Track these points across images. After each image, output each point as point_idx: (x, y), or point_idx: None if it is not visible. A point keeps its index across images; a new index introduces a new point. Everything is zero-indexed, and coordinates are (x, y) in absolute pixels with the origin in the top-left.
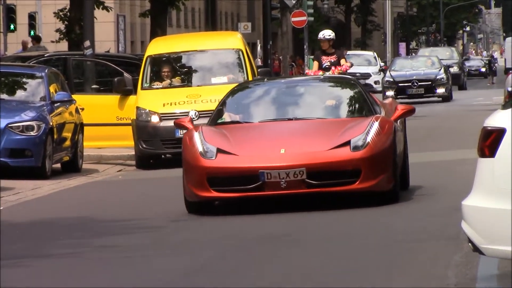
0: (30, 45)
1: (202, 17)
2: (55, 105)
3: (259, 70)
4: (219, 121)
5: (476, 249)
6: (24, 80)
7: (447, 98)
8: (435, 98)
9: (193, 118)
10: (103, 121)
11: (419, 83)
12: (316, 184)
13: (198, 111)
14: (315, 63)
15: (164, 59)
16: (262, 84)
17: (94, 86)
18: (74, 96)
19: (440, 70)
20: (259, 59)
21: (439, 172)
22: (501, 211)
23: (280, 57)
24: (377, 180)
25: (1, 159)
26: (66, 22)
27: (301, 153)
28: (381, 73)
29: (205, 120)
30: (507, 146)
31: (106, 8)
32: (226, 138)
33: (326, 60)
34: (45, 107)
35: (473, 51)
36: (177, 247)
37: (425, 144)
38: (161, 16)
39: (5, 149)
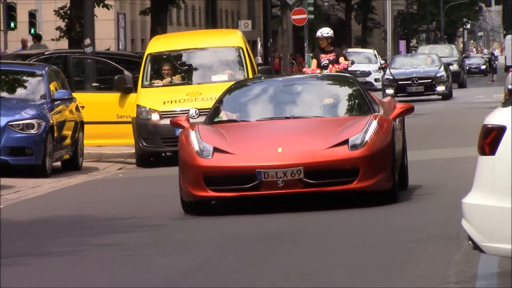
0: (30, 43)
1: (203, 15)
2: (56, 103)
3: (259, 68)
4: (216, 119)
5: (476, 247)
6: (25, 78)
7: (447, 96)
8: (435, 96)
9: (194, 116)
10: (104, 119)
11: (419, 81)
12: (313, 184)
13: (199, 109)
14: (314, 61)
15: (164, 57)
16: (259, 83)
17: (94, 84)
18: (74, 94)
19: (440, 68)
20: (259, 57)
21: (439, 170)
22: (502, 209)
23: (281, 55)
24: (376, 179)
25: (2, 157)
26: (66, 20)
27: (298, 152)
28: (381, 71)
29: None
30: (508, 144)
31: (106, 6)
32: (223, 137)
33: (325, 58)
34: (45, 105)
35: (474, 49)
36: (177, 246)
37: (425, 142)
38: (162, 14)
39: (6, 147)
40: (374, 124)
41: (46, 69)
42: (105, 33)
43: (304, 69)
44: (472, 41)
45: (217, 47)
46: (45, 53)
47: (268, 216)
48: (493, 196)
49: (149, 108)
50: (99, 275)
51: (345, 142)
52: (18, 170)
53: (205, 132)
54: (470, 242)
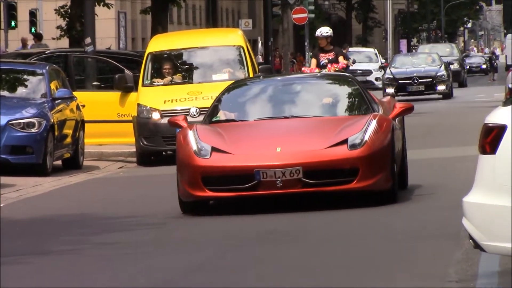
0: (31, 42)
1: (203, 14)
2: (56, 102)
3: (260, 67)
4: (214, 119)
5: (477, 246)
6: (25, 77)
7: (447, 95)
8: (436, 95)
9: (194, 115)
10: (104, 118)
11: (419, 80)
12: (312, 184)
13: (199, 108)
14: (313, 61)
15: (165, 56)
16: (258, 82)
17: (95, 83)
18: (75, 93)
19: (440, 67)
20: (260, 56)
21: (440, 169)
22: (502, 208)
23: (281, 54)
24: (375, 179)
25: (2, 156)
26: (67, 19)
27: (297, 151)
28: (382, 70)
29: None
30: (508, 143)
31: (107, 5)
32: (221, 137)
33: (324, 58)
34: (46, 104)
35: (475, 48)
36: (178, 245)
37: (425, 141)
38: (162, 13)
39: (6, 146)
40: (374, 123)
41: (47, 68)
42: (106, 32)
43: (303, 69)
44: (472, 40)
45: (218, 46)
46: (46, 52)
47: (267, 216)
48: (494, 195)
49: (150, 107)
50: (99, 274)
51: (344, 141)
52: (18, 169)
53: (203, 132)
54: (470, 241)
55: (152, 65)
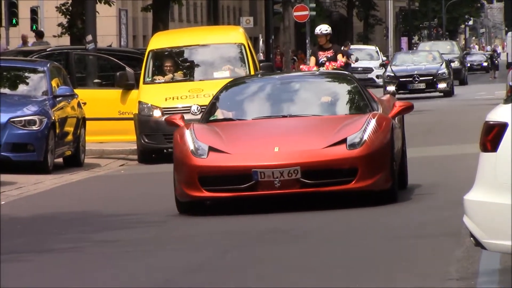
0: (32, 40)
1: (204, 11)
2: (57, 99)
3: (261, 64)
4: (212, 118)
5: (478, 243)
6: (26, 74)
7: (448, 93)
8: (436, 93)
9: (195, 112)
10: (105, 115)
11: (420, 78)
12: (311, 184)
13: (200, 106)
14: (312, 59)
15: (166, 53)
16: (256, 80)
17: (96, 81)
18: (76, 91)
19: (441, 65)
20: (261, 54)
21: (441, 167)
22: (503, 206)
23: (282, 52)
24: (375, 179)
25: (3, 153)
26: (68, 17)
27: (295, 151)
28: (383, 67)
29: None
30: (509, 141)
31: (108, 3)
32: (218, 136)
33: (323, 56)
34: (47, 102)
35: (476, 46)
36: (178, 243)
37: (426, 139)
38: (163, 11)
39: (7, 143)
40: (373, 122)
41: (48, 65)
42: (107, 30)
43: (301, 67)
44: (473, 38)
45: (219, 44)
46: (47, 50)
47: (267, 216)
48: (495, 192)
49: (151, 105)
50: (99, 272)
51: (343, 141)
52: (20, 167)
53: (200, 131)
54: (471, 239)
55: (153, 63)
